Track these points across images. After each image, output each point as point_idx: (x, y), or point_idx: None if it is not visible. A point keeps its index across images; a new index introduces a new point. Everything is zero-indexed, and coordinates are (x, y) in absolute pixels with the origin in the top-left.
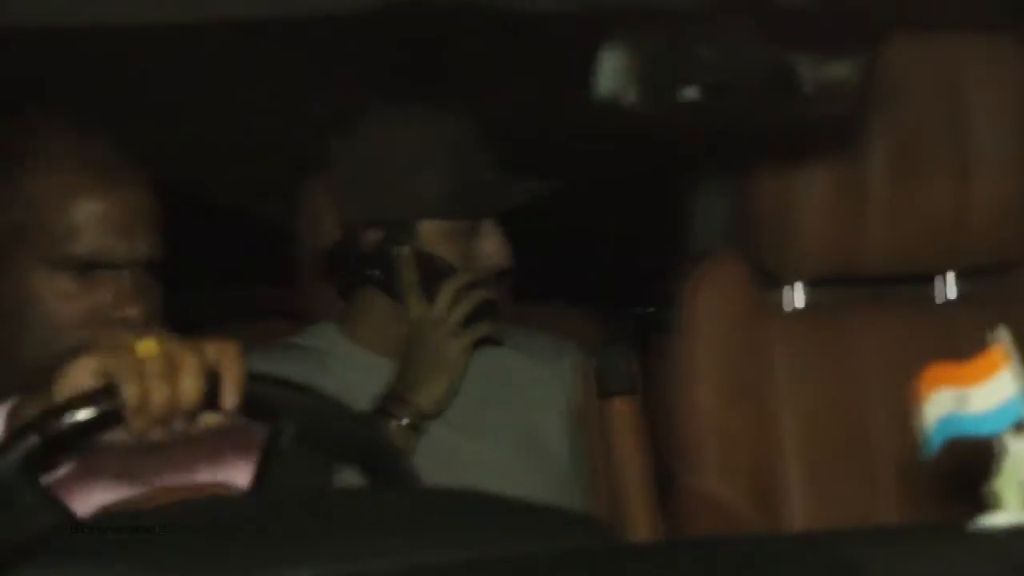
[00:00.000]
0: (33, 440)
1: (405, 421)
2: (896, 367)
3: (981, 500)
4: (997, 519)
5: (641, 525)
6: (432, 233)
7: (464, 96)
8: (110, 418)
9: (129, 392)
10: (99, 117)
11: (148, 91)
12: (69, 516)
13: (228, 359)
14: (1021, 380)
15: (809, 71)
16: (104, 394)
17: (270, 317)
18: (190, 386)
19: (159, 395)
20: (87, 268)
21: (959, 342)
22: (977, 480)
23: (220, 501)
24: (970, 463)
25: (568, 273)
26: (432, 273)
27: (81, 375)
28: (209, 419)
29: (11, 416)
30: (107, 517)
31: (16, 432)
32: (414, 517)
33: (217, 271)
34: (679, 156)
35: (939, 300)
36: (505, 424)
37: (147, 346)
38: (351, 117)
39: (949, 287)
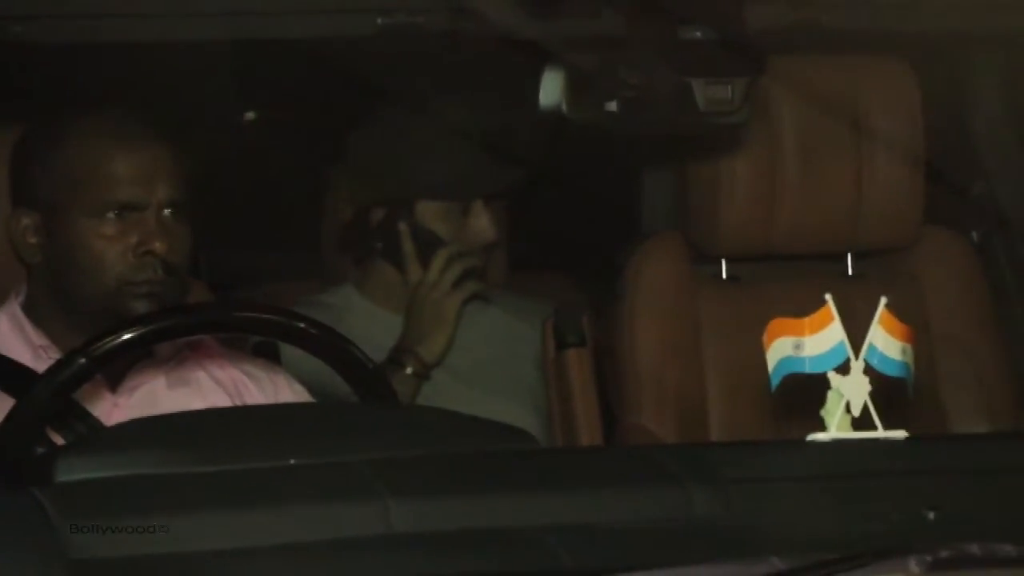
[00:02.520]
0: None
1: (411, 369)
2: None
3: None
4: (823, 437)
5: None
6: (429, 212)
7: (454, 102)
8: None
9: None
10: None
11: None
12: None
13: None
14: (844, 333)
15: (701, 91)
16: None
17: (300, 278)
18: None
19: None
20: (121, 211)
21: (853, 312)
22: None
23: (224, 411)
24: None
25: (535, 246)
26: (428, 245)
27: None
28: None
29: None
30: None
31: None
32: (381, 424)
33: (255, 239)
34: (632, 154)
35: (840, 276)
36: (495, 371)
37: None
38: (364, 116)
39: (847, 265)
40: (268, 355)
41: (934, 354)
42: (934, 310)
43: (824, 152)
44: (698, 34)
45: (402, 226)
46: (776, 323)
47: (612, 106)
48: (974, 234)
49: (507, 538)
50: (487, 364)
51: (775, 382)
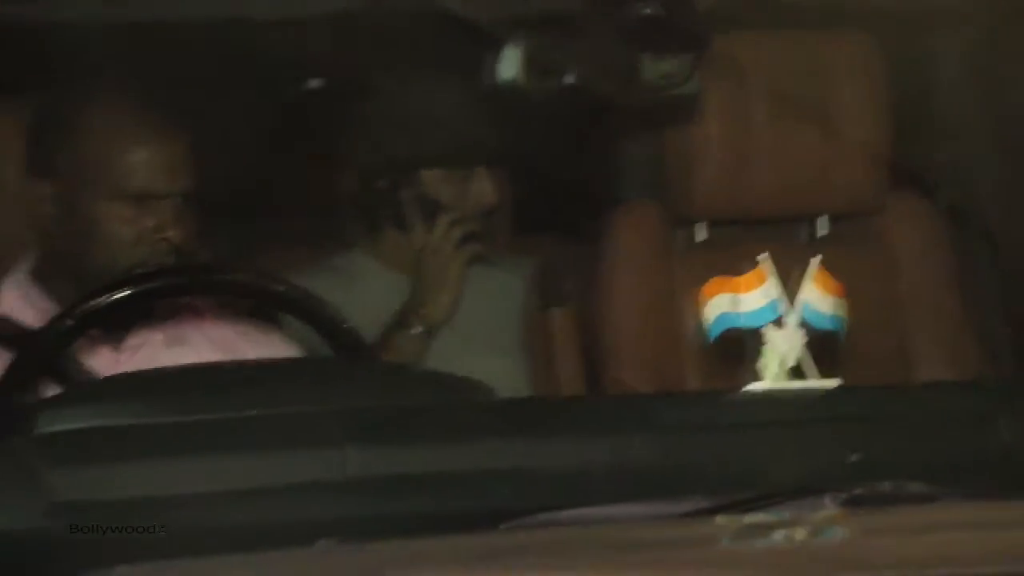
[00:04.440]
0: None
1: (418, 328)
2: None
3: None
4: (759, 387)
5: None
6: (432, 179)
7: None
8: None
9: None
10: (149, 86)
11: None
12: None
13: None
14: (779, 290)
15: (649, 66)
16: None
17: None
18: None
19: None
20: (139, 198)
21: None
22: None
23: (199, 367)
24: None
25: (528, 209)
26: (431, 211)
27: None
28: None
29: None
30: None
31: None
32: (347, 378)
33: (272, 205)
34: (614, 123)
35: (811, 239)
36: (491, 328)
37: None
38: (370, 91)
39: (821, 228)
40: (267, 316)
41: (904, 314)
42: (903, 271)
43: (794, 120)
44: (648, 10)
45: (406, 194)
46: (713, 281)
47: (569, 79)
48: (940, 198)
49: (451, 481)
50: (483, 321)
51: (712, 336)
